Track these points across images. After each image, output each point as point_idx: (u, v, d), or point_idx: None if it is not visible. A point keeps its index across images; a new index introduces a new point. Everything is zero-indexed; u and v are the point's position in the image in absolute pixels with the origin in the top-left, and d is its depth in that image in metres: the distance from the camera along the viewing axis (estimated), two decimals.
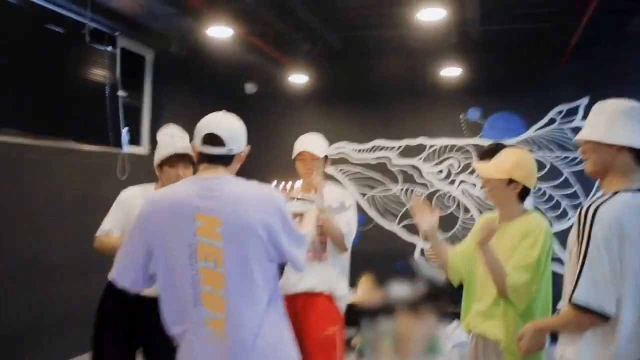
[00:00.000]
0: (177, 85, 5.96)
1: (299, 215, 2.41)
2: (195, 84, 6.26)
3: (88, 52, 4.90)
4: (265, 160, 6.82)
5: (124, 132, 5.13)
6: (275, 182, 2.56)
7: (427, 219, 2.60)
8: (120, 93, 5.19)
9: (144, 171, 5.53)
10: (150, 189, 3.08)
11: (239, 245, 1.92)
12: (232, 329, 1.92)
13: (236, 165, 2.08)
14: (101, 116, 4.97)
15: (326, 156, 3.08)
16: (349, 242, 2.96)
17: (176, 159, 2.91)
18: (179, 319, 1.98)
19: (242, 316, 1.93)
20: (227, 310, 1.91)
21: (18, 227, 4.20)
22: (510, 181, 2.45)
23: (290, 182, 2.59)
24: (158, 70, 5.79)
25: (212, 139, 2.01)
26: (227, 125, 2.05)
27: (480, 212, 6.27)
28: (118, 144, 5.04)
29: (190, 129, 6.50)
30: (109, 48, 5.10)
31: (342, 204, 2.99)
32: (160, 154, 2.97)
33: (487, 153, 3.31)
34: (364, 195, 6.65)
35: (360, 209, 6.57)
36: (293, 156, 3.03)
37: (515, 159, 2.48)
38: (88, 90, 4.91)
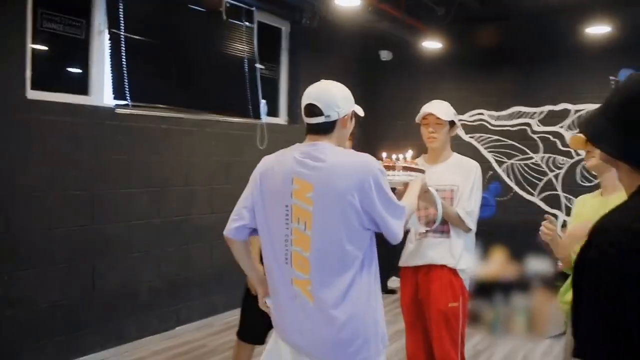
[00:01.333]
0: (312, 56, 6.11)
1: (405, 185, 2.42)
2: (331, 54, 6.38)
3: (227, 28, 5.20)
4: (400, 128, 6.86)
5: (263, 103, 5.40)
6: (384, 154, 2.56)
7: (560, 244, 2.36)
8: (258, 66, 5.46)
9: (283, 140, 5.77)
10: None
11: (327, 211, 1.96)
12: (316, 290, 1.98)
13: (341, 130, 2.08)
14: (241, 89, 5.29)
15: (453, 122, 2.98)
16: (471, 223, 2.87)
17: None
18: (272, 277, 2.09)
19: (326, 279, 1.98)
20: (311, 272, 1.98)
21: (169, 192, 4.63)
22: None
23: (400, 155, 2.58)
24: (294, 42, 5.98)
25: (310, 110, 2.05)
26: (323, 94, 2.05)
27: None
28: (257, 115, 5.33)
29: None
30: (247, 23, 5.36)
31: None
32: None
33: None
34: (501, 163, 6.41)
35: (498, 178, 6.39)
36: (417, 119, 3.00)
37: None
38: (228, 65, 5.22)
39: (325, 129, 2.05)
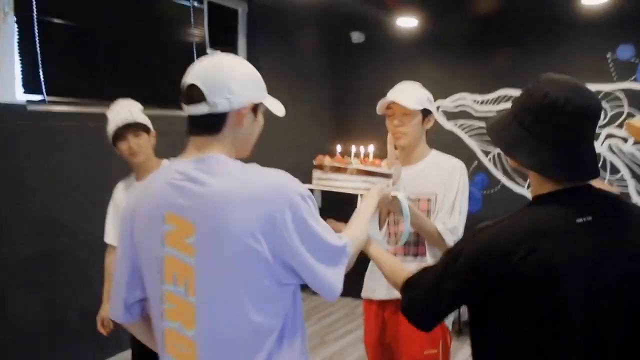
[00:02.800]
0: (274, 40, 5.45)
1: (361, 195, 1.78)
2: (295, 38, 5.72)
3: (171, 8, 4.54)
4: (376, 117, 6.20)
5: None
6: (339, 148, 1.89)
7: None
8: (210, 52, 4.80)
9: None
10: (133, 182, 2.73)
11: (218, 265, 1.29)
12: None
13: (234, 131, 1.38)
14: None
15: (427, 111, 2.31)
16: (452, 242, 2.15)
17: (122, 130, 2.54)
18: None
19: None
20: None
21: (102, 202, 3.96)
22: None
23: (362, 149, 1.92)
24: (252, 24, 5.32)
25: (189, 93, 1.35)
26: (211, 71, 1.35)
27: (633, 173, 5.20)
28: None
29: (293, 88, 6.02)
30: (195, 3, 4.69)
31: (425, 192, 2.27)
32: (107, 131, 2.61)
33: None
34: (487, 153, 5.81)
35: (484, 169, 5.79)
36: (379, 110, 2.33)
37: None
38: (172, 51, 4.55)
39: (210, 126, 1.36)
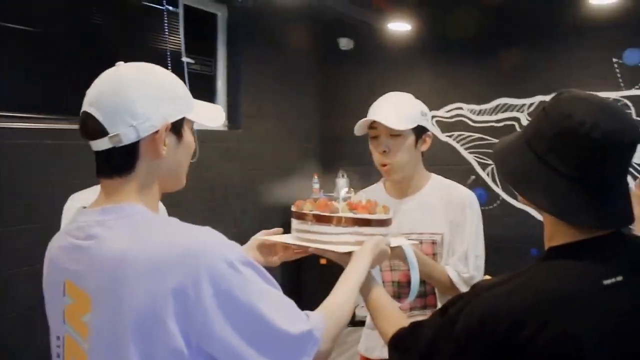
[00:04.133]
0: (256, 48, 5.09)
1: (335, 255, 1.41)
2: (279, 45, 5.35)
3: (143, 13, 4.15)
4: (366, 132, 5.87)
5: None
6: (320, 194, 1.56)
7: None
8: (186, 60, 4.42)
9: (221, 151, 4.82)
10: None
11: (113, 353, 0.99)
12: None
13: (154, 161, 1.09)
14: None
15: (421, 129, 1.88)
16: (470, 284, 1.73)
17: None
18: None
19: None
20: None
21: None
22: None
23: (343, 191, 1.55)
24: (233, 30, 4.96)
25: (84, 125, 1.08)
26: (107, 91, 1.07)
27: None
28: None
29: (277, 98, 5.65)
30: (169, 7, 4.31)
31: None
32: None
33: None
34: (485, 166, 5.49)
35: (482, 184, 5.45)
36: (358, 131, 1.91)
37: None
38: (145, 61, 4.16)
39: (119, 166, 1.07)
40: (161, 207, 2.26)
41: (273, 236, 1.55)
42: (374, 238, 1.42)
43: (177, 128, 1.11)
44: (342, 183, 5.57)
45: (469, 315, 1.08)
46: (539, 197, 1.08)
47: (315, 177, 5.71)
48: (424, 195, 1.94)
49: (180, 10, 4.40)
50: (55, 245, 1.13)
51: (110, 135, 1.05)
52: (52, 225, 2.58)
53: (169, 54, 4.28)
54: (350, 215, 1.42)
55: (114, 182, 1.09)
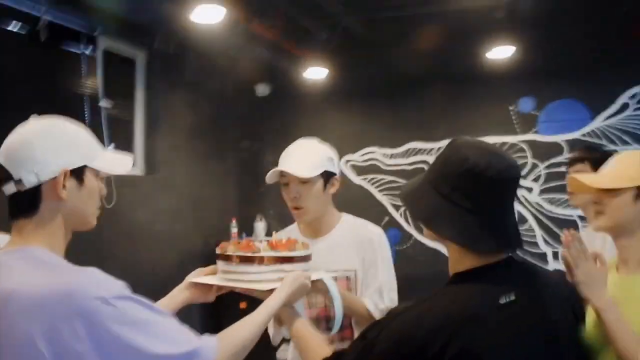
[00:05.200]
0: (175, 92, 5.11)
1: (260, 293, 1.50)
2: (198, 89, 5.41)
3: (60, 56, 4.10)
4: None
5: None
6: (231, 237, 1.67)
7: (595, 276, 1.51)
8: (103, 104, 4.38)
9: (139, 196, 4.74)
10: None
11: None
12: None
13: (57, 204, 1.22)
14: None
15: (329, 174, 2.00)
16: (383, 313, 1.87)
17: None
18: None
19: None
20: None
21: None
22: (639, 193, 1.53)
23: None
24: (151, 74, 4.97)
25: None
26: (15, 141, 1.23)
27: (539, 223, 5.26)
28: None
29: (195, 144, 5.65)
30: (87, 51, 4.28)
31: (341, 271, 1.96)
32: None
33: (578, 160, 2.47)
34: (397, 207, 5.72)
35: (395, 224, 5.67)
36: (269, 179, 2.00)
37: None
38: (61, 103, 4.09)
39: (24, 207, 1.21)
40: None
41: (202, 277, 1.63)
42: (292, 273, 1.52)
43: (77, 174, 1.24)
44: (260, 227, 5.61)
45: (386, 337, 1.19)
46: (447, 230, 1.24)
47: (234, 221, 5.72)
48: (335, 234, 2.04)
49: (99, 54, 4.38)
50: None
51: (15, 180, 1.19)
52: None
53: (86, 97, 4.23)
54: (272, 254, 1.51)
55: (21, 223, 1.22)
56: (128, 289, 1.18)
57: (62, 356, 1.07)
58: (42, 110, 3.71)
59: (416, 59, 5.35)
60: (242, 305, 3.30)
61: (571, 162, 2.50)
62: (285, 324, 1.55)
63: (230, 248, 1.57)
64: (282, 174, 1.96)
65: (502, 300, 1.21)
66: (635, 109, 4.99)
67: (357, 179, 5.83)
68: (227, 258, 1.56)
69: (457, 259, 1.28)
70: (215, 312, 5.10)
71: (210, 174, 5.69)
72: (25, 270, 1.15)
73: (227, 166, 6.04)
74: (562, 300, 1.32)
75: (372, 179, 5.82)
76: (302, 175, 1.91)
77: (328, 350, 1.38)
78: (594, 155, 2.45)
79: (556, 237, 5.13)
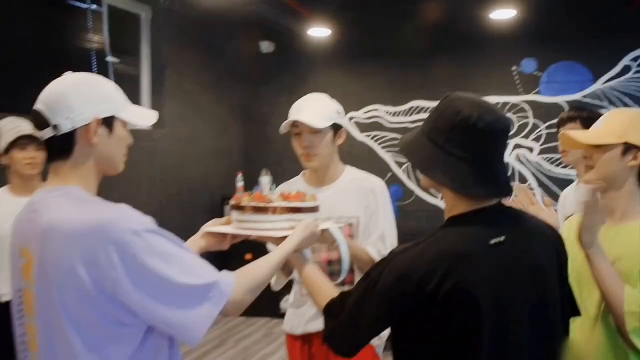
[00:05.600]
0: (181, 48, 5.17)
1: (273, 240, 1.61)
2: (203, 47, 5.45)
3: (67, 12, 4.14)
4: (287, 132, 6.02)
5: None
6: (240, 185, 1.77)
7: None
8: (110, 59, 4.44)
9: (145, 152, 4.84)
10: (5, 195, 2.58)
11: (48, 299, 1.26)
12: None
13: (88, 149, 1.34)
14: None
15: (337, 126, 2.12)
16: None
17: (26, 140, 2.51)
18: None
19: None
20: None
21: None
22: (627, 149, 1.60)
23: (267, 186, 1.74)
24: (157, 31, 5.01)
25: (34, 119, 1.34)
26: (52, 91, 1.33)
27: (539, 182, 5.37)
28: None
29: (199, 99, 5.72)
30: (94, 6, 4.32)
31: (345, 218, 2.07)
32: (6, 138, 2.54)
33: (569, 120, 2.52)
34: (400, 165, 5.82)
35: (397, 181, 5.78)
36: (283, 130, 2.11)
37: (631, 117, 1.64)
38: (67, 59, 4.15)
39: (60, 151, 1.34)
40: None
41: (219, 227, 1.72)
42: (304, 221, 1.62)
43: (108, 123, 1.35)
44: (265, 181, 5.73)
45: (388, 275, 1.30)
46: (442, 177, 1.33)
47: (240, 175, 5.83)
48: (340, 184, 2.16)
49: (105, 10, 4.42)
50: (17, 219, 1.38)
51: (52, 126, 1.30)
52: None
53: (93, 53, 4.29)
54: (284, 204, 1.61)
55: (58, 165, 1.34)
56: (155, 224, 1.30)
57: (100, 281, 1.20)
58: (51, 66, 3.81)
59: (420, 19, 5.35)
60: (248, 256, 3.44)
61: (562, 122, 2.54)
62: (295, 269, 1.67)
63: (244, 199, 1.65)
64: (295, 124, 2.07)
65: (493, 241, 1.30)
66: (637, 72, 5.02)
67: (360, 136, 5.90)
68: (242, 209, 1.64)
69: (452, 204, 1.37)
70: (222, 263, 5.28)
71: (216, 129, 5.79)
72: (64, 206, 1.28)
73: (233, 122, 6.12)
74: (547, 243, 1.42)
75: (375, 136, 5.90)
76: (316, 125, 2.03)
77: (335, 293, 1.48)
78: (584, 115, 2.47)
79: (555, 197, 5.23)
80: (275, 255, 1.52)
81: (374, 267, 1.38)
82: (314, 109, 2.06)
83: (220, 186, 5.68)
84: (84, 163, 1.34)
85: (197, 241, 1.68)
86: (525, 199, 1.77)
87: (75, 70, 1.65)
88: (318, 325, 2.06)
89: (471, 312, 1.26)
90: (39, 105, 1.32)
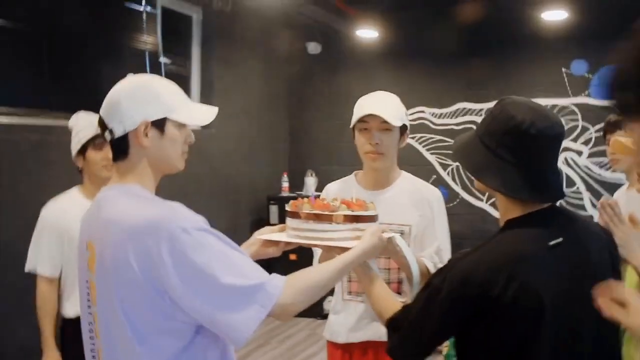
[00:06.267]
0: (229, 49, 5.27)
1: (338, 250, 1.52)
2: (251, 47, 5.55)
3: (123, 13, 4.29)
4: (334, 130, 6.07)
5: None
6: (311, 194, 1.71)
7: (630, 237, 1.61)
8: (163, 60, 4.58)
9: (195, 151, 4.94)
10: (77, 197, 2.45)
11: (105, 290, 1.34)
12: None
13: (142, 150, 1.39)
14: None
15: (405, 127, 2.03)
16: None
17: (102, 140, 2.36)
18: None
19: None
20: None
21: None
22: None
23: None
24: (207, 32, 5.13)
25: (99, 121, 1.43)
26: (109, 97, 1.41)
27: (587, 186, 5.26)
28: None
29: (248, 100, 5.80)
30: (148, 8, 4.46)
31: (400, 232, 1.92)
32: (81, 136, 2.39)
33: (617, 125, 2.47)
34: (445, 167, 5.79)
35: (442, 183, 5.75)
36: (352, 123, 2.03)
37: None
38: (124, 58, 4.30)
39: (118, 152, 1.42)
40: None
41: (274, 234, 1.69)
42: (369, 229, 1.54)
43: (158, 125, 1.39)
44: (311, 182, 5.79)
45: (451, 280, 1.31)
46: (494, 181, 1.36)
47: (285, 175, 5.91)
48: (395, 188, 2.08)
49: (158, 12, 4.55)
50: (84, 216, 1.47)
51: (110, 130, 1.39)
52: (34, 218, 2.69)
53: (147, 54, 4.43)
54: (348, 212, 1.54)
55: (118, 165, 1.42)
56: (207, 223, 1.32)
57: (151, 276, 1.25)
58: (108, 65, 3.92)
59: (468, 20, 5.31)
60: (292, 257, 3.47)
61: (609, 126, 2.51)
62: (361, 281, 1.59)
63: (305, 206, 1.60)
64: (365, 119, 1.98)
65: (551, 242, 1.32)
66: None
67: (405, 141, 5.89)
68: (300, 216, 1.57)
69: (505, 208, 1.40)
70: (266, 262, 5.36)
71: (263, 129, 5.87)
72: (122, 202, 1.36)
73: (280, 122, 6.19)
74: (601, 245, 1.42)
75: (421, 137, 5.88)
76: (392, 122, 1.94)
77: (398, 306, 1.47)
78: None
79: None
80: (338, 262, 1.45)
81: (434, 275, 1.40)
82: (388, 106, 1.99)
83: (266, 186, 5.76)
84: (139, 163, 1.40)
85: (249, 247, 1.67)
86: (612, 218, 1.64)
87: (130, 70, 1.71)
88: (359, 335, 2.03)
89: (538, 312, 1.27)
90: (101, 110, 1.41)
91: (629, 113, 1.04)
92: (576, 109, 5.28)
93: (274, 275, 1.33)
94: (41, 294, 2.38)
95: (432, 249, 2.01)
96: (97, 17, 4.07)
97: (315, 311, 5.08)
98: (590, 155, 5.26)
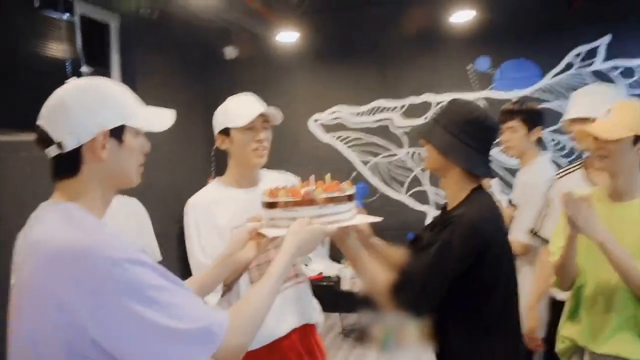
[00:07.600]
0: (149, 57, 5.23)
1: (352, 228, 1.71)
2: (171, 53, 5.53)
3: (40, 21, 4.16)
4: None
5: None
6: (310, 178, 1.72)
7: (590, 218, 1.83)
8: (85, 69, 4.48)
9: None
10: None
11: (20, 309, 1.14)
12: None
13: (97, 164, 1.20)
14: None
15: None
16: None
17: (261, 119, 2.14)
18: None
19: None
20: None
21: None
22: (637, 139, 1.89)
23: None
24: (126, 39, 5.06)
25: (38, 137, 1.21)
26: (51, 105, 1.20)
27: (499, 173, 5.71)
28: None
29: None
30: (66, 16, 4.35)
31: None
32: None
33: (509, 117, 2.94)
34: (365, 163, 6.05)
35: (362, 179, 6.01)
36: (244, 123, 2.08)
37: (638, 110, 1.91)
38: (43, 69, 4.17)
39: (66, 169, 1.19)
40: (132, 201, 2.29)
41: (274, 230, 1.58)
42: (291, 227, 1.48)
43: (116, 133, 1.21)
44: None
45: (460, 233, 1.59)
46: (459, 159, 1.68)
47: (209, 181, 5.91)
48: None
49: (77, 20, 4.46)
50: (20, 234, 1.25)
51: (56, 143, 1.17)
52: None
53: (67, 63, 4.32)
54: (351, 191, 1.66)
55: (62, 184, 1.21)
56: (145, 254, 1.13)
57: (68, 308, 1.06)
58: (28, 76, 3.79)
59: (379, 22, 5.61)
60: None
61: (503, 115, 2.94)
62: (345, 253, 1.72)
63: (317, 191, 1.59)
64: (257, 118, 2.15)
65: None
66: (579, 67, 5.44)
67: (325, 137, 6.10)
68: (274, 205, 1.58)
69: (461, 182, 1.72)
70: None
71: (183, 136, 5.86)
72: (55, 224, 1.14)
73: (200, 128, 6.20)
74: None
75: (340, 136, 6.12)
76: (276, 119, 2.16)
77: (384, 273, 1.65)
78: (522, 108, 2.94)
79: (508, 185, 5.59)
80: (273, 274, 1.36)
81: (437, 233, 1.68)
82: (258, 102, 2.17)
83: (191, 192, 5.73)
84: (91, 180, 1.20)
85: (242, 239, 1.63)
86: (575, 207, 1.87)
87: (48, 80, 1.52)
88: (285, 326, 2.05)
89: (510, 253, 1.73)
90: (40, 121, 1.19)
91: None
92: (482, 103, 5.70)
93: (217, 313, 1.18)
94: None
95: None
96: (10, 25, 3.93)
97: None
98: (495, 144, 5.69)
